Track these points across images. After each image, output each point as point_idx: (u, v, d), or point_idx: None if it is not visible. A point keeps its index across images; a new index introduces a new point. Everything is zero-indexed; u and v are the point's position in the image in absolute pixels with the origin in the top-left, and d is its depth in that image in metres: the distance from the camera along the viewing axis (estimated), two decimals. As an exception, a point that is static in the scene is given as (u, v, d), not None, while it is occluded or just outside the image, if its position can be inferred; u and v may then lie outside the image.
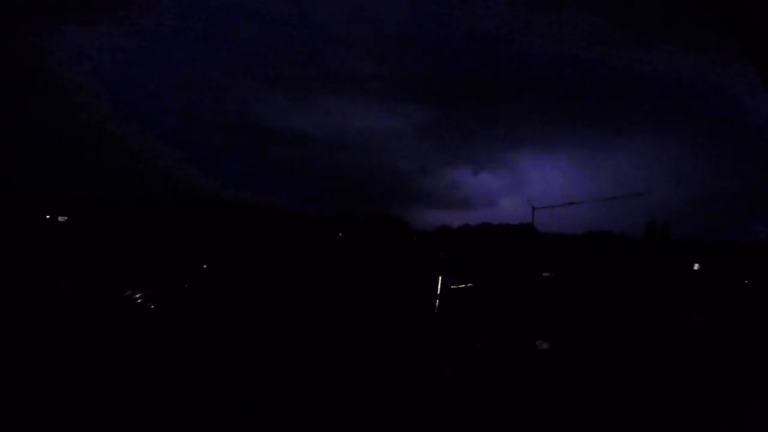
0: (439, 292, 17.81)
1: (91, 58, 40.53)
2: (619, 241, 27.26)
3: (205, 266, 19.43)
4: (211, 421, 8.31)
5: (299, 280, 17.43)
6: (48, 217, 21.41)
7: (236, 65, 45.26)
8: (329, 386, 9.65)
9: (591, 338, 13.81)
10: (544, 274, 22.78)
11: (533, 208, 30.08)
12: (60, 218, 21.54)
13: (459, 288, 19.02)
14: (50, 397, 8.28)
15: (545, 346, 13.01)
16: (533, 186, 40.97)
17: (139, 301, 14.64)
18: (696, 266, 25.05)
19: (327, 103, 49.54)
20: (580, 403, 9.46)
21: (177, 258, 18.97)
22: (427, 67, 48.00)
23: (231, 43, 45.25)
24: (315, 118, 46.45)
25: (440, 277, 17.91)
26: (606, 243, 26.91)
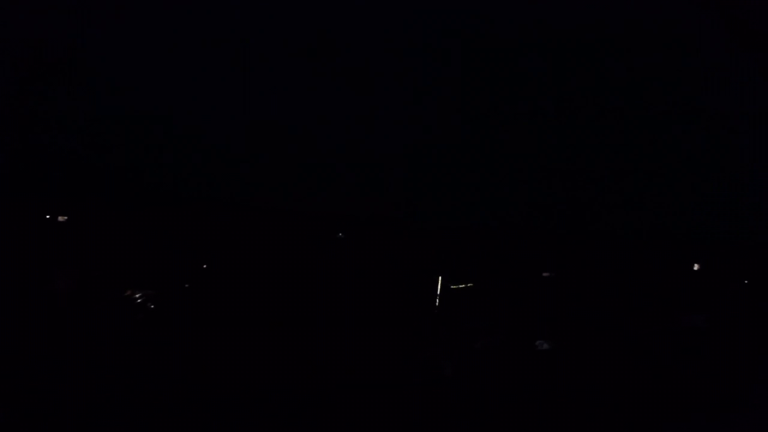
0: (439, 293, 17.82)
1: (90, 57, 40.45)
2: (618, 241, 27.29)
3: (205, 266, 19.44)
4: (211, 421, 8.35)
5: (299, 279, 17.45)
6: (48, 217, 21.42)
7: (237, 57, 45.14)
8: (329, 386, 9.70)
9: (591, 338, 13.83)
10: (544, 274, 22.79)
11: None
12: (60, 218, 21.55)
13: (459, 288, 19.03)
14: (50, 397, 8.32)
15: (545, 346, 13.02)
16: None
17: (139, 301, 14.65)
18: (696, 266, 25.08)
19: (328, 100, 49.44)
20: (580, 404, 9.51)
21: (177, 258, 19.01)
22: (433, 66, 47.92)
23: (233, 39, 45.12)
24: (317, 115, 46.57)
25: (440, 277, 17.93)
26: (605, 243, 26.94)
